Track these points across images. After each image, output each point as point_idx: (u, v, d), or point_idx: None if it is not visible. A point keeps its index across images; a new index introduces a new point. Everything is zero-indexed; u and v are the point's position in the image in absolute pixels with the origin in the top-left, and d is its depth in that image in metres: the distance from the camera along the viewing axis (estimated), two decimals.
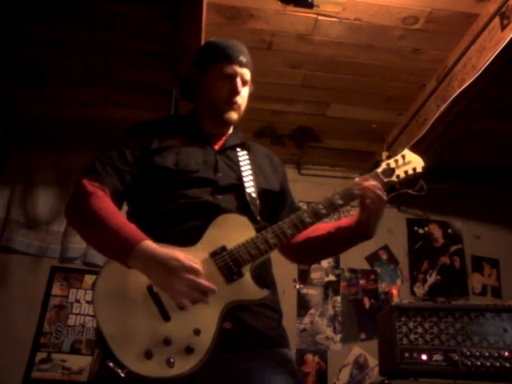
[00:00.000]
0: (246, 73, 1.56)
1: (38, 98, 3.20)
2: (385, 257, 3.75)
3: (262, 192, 1.49)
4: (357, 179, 1.44)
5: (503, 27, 2.20)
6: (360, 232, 1.48)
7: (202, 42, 2.44)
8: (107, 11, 2.46)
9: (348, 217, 2.82)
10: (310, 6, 2.37)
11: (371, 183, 1.42)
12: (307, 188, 3.57)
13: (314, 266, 3.65)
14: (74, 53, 2.77)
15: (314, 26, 2.52)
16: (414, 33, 2.53)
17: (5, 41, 2.69)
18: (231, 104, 1.54)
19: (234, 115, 1.55)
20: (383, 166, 1.48)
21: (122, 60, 2.81)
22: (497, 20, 2.25)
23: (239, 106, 1.56)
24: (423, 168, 1.49)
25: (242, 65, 1.54)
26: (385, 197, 1.42)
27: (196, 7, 2.26)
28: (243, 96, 1.57)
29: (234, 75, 1.53)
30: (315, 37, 2.59)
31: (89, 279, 3.40)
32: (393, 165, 1.48)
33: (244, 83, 1.56)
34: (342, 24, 2.50)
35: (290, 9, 2.41)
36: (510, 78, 2.49)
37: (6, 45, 2.72)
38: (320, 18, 2.46)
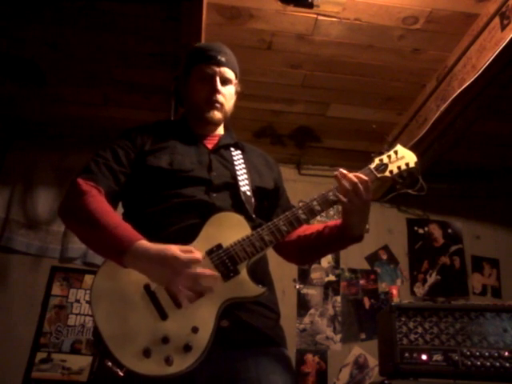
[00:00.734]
0: (227, 71, 1.57)
1: (38, 97, 3.20)
2: (385, 257, 3.75)
3: (256, 190, 1.50)
4: (337, 172, 1.39)
5: (503, 27, 2.20)
6: (345, 234, 1.46)
7: (202, 42, 2.44)
8: (107, 11, 2.47)
9: None
10: (310, 6, 2.37)
11: (352, 179, 1.37)
12: (307, 188, 3.57)
13: (314, 266, 3.65)
14: (74, 53, 2.77)
15: (314, 26, 2.52)
16: (413, 33, 2.53)
17: (5, 41, 2.69)
18: (212, 103, 1.55)
19: (216, 114, 1.56)
20: (376, 161, 1.47)
21: (122, 60, 2.82)
22: (497, 20, 2.25)
23: (221, 105, 1.57)
24: (416, 163, 1.48)
25: (220, 64, 1.56)
26: (365, 195, 1.37)
27: (196, 7, 2.26)
28: (225, 94, 1.57)
29: (213, 75, 1.55)
30: (315, 37, 2.59)
31: (89, 279, 3.39)
32: (386, 160, 1.47)
33: (225, 82, 1.57)
34: (342, 24, 2.50)
35: (290, 9, 2.41)
36: (510, 79, 2.49)
37: (6, 45, 2.72)
38: (320, 17, 2.46)
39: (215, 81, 1.54)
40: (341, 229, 1.47)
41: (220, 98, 1.55)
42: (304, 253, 1.59)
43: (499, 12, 2.23)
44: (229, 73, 1.58)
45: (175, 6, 2.35)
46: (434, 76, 2.82)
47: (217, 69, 1.55)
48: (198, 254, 1.25)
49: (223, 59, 1.56)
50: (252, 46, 2.63)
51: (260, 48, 2.67)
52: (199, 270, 1.23)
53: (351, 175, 1.38)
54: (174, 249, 1.23)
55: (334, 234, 1.49)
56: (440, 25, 2.46)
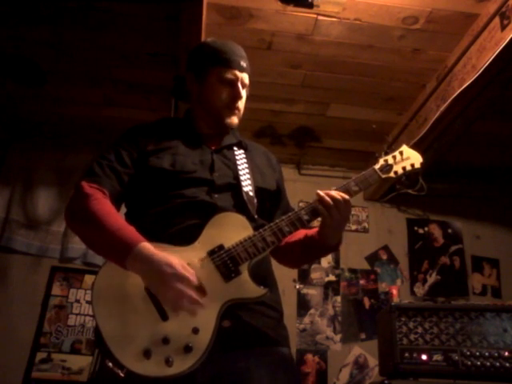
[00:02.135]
0: (246, 77, 1.57)
1: (38, 98, 3.20)
2: (385, 257, 3.75)
3: (258, 190, 1.50)
4: (318, 192, 1.38)
5: (503, 27, 2.20)
6: (320, 243, 1.46)
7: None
8: (107, 11, 2.46)
9: None
10: (310, 6, 2.37)
11: (334, 196, 1.36)
12: (307, 188, 3.56)
13: (313, 266, 3.65)
14: (74, 53, 2.77)
15: (314, 26, 2.52)
16: (413, 33, 2.53)
17: (5, 41, 2.69)
18: (233, 109, 1.55)
19: (235, 119, 1.56)
20: (381, 162, 1.47)
21: (122, 60, 2.81)
22: (497, 20, 2.25)
23: (239, 111, 1.57)
24: (421, 164, 1.47)
25: (242, 70, 1.55)
26: (346, 212, 1.37)
27: (196, 7, 2.26)
28: (243, 100, 1.58)
29: (235, 80, 1.53)
30: (315, 37, 2.59)
31: (89, 279, 3.40)
32: (391, 161, 1.47)
33: (243, 87, 1.57)
34: (342, 24, 2.50)
35: (290, 9, 2.41)
36: (510, 79, 2.49)
37: (6, 45, 2.72)
38: (320, 17, 2.46)
39: (238, 87, 1.53)
40: (317, 239, 1.47)
41: (240, 104, 1.56)
42: (291, 258, 1.61)
43: (499, 12, 2.23)
44: (247, 78, 1.57)
45: (175, 6, 2.34)
46: (434, 76, 2.82)
47: (239, 74, 1.54)
48: (194, 277, 1.23)
49: (245, 65, 1.56)
50: (252, 45, 2.63)
51: (260, 48, 2.67)
52: (190, 288, 1.20)
53: (333, 193, 1.38)
54: (173, 260, 1.22)
55: (312, 244, 1.49)
56: (440, 25, 2.46)
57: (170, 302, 1.21)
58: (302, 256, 1.59)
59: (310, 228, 1.52)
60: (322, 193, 1.38)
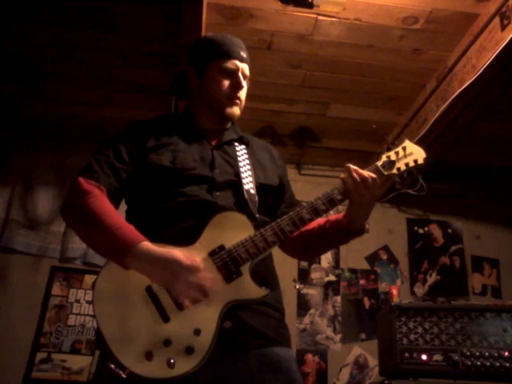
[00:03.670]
0: (246, 68, 1.57)
1: (38, 98, 3.20)
2: (385, 257, 3.75)
3: (260, 187, 1.48)
4: (348, 165, 1.39)
5: (503, 27, 2.20)
6: (348, 227, 1.46)
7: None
8: (107, 11, 2.46)
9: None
10: (310, 6, 2.37)
11: (362, 174, 1.37)
12: (307, 188, 3.56)
13: (313, 266, 3.65)
14: (74, 53, 2.77)
15: (313, 26, 2.52)
16: (413, 33, 2.53)
17: (5, 41, 2.69)
18: (234, 99, 1.53)
19: (236, 110, 1.55)
20: (383, 158, 1.44)
21: (122, 60, 2.81)
22: (497, 20, 2.25)
23: (241, 101, 1.56)
24: (425, 159, 1.44)
25: (242, 60, 1.55)
26: (375, 191, 1.38)
27: (196, 7, 2.26)
28: (244, 90, 1.57)
29: (236, 70, 1.53)
30: (315, 37, 2.59)
31: (89, 279, 3.40)
32: (393, 157, 1.44)
33: (244, 78, 1.56)
34: (342, 24, 2.50)
35: (290, 9, 2.41)
36: (510, 78, 2.49)
37: (6, 45, 2.72)
38: (320, 17, 2.46)
39: (239, 77, 1.53)
40: (343, 222, 1.47)
41: (242, 94, 1.55)
42: (306, 248, 1.59)
43: (499, 12, 2.23)
44: (247, 69, 1.57)
45: (175, 6, 2.34)
46: (434, 76, 2.82)
47: (240, 65, 1.53)
48: (200, 262, 1.24)
49: (245, 55, 1.56)
50: (252, 45, 2.62)
51: (260, 48, 2.67)
52: (200, 277, 1.22)
53: (361, 170, 1.38)
54: (177, 253, 1.23)
55: (336, 228, 1.49)
56: (440, 25, 2.46)
57: (182, 296, 1.21)
58: (320, 245, 1.58)
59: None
60: (351, 168, 1.37)
